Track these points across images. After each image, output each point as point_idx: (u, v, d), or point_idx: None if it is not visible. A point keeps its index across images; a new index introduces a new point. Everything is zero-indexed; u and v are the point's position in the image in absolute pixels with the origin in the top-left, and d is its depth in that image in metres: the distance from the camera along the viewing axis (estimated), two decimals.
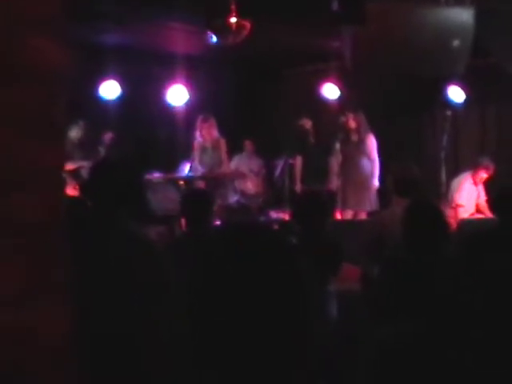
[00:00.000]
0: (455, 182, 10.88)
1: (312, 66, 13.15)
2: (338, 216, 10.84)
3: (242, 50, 9.55)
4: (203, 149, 11.30)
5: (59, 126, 1.80)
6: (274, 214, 11.36)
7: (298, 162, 11.91)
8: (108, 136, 11.27)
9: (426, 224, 4.60)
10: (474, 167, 10.78)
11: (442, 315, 3.10)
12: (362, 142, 10.91)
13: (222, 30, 8.63)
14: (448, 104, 11.60)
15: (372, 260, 5.63)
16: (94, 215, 3.91)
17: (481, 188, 10.79)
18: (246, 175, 12.53)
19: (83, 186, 4.32)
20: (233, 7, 8.42)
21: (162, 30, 10.46)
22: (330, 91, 12.73)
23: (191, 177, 11.41)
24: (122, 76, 11.57)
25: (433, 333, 2.80)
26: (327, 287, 5.32)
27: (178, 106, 12.43)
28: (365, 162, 10.87)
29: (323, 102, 12.88)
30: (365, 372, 2.81)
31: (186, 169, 11.72)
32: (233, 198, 11.90)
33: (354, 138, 10.93)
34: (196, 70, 12.11)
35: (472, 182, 10.75)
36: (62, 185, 1.94)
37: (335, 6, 7.70)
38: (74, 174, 9.62)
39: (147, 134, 12.31)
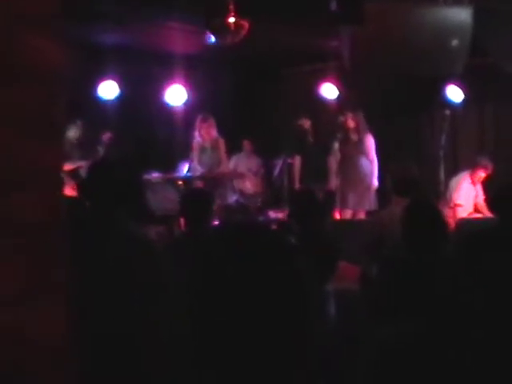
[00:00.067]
0: (453, 182, 10.89)
1: (310, 65, 13.15)
2: (337, 216, 10.85)
3: (241, 50, 9.55)
4: (202, 149, 11.30)
5: (59, 125, 1.80)
6: (272, 214, 11.36)
7: (297, 161, 11.93)
8: (107, 136, 11.27)
9: (425, 223, 4.60)
10: (472, 167, 10.79)
11: (442, 315, 3.10)
12: (360, 142, 10.92)
13: (221, 29, 8.64)
14: (446, 103, 11.61)
15: (371, 259, 5.63)
16: (93, 215, 3.91)
17: (479, 187, 10.80)
18: (244, 175, 12.53)
19: (81, 186, 4.31)
20: (231, 7, 8.42)
21: (160, 29, 10.46)
22: (329, 91, 12.74)
23: (190, 177, 11.41)
24: (120, 76, 11.56)
25: (433, 333, 2.80)
26: (325, 287, 5.32)
27: (177, 106, 12.43)
28: (364, 161, 10.88)
29: (322, 102, 12.89)
30: (365, 372, 2.81)
31: (184, 169, 11.73)
32: (231, 198, 11.90)
33: (353, 137, 10.94)
34: (195, 70, 12.11)
35: (470, 181, 10.76)
36: (61, 185, 1.94)
37: (333, 5, 7.70)
38: (73, 174, 9.62)
39: (146, 133, 12.31)
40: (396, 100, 12.23)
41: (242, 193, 12.29)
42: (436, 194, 10.20)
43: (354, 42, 8.01)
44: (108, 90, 11.68)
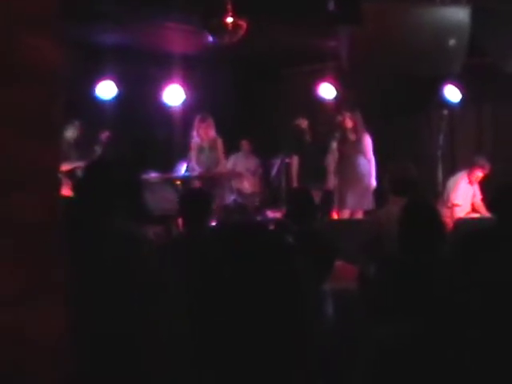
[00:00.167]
0: (451, 182, 10.89)
1: (309, 65, 13.15)
2: (335, 215, 10.85)
3: (239, 50, 9.55)
4: (200, 148, 11.31)
5: (57, 125, 1.80)
6: (270, 214, 11.36)
7: (295, 161, 11.93)
8: (105, 135, 11.26)
9: (423, 223, 4.61)
10: (469, 166, 10.79)
11: (439, 315, 3.10)
12: (358, 142, 10.92)
13: (219, 29, 8.64)
14: (444, 103, 11.61)
15: (369, 259, 5.63)
16: (89, 215, 3.90)
17: (476, 187, 10.81)
18: (242, 175, 12.53)
19: (77, 186, 4.30)
20: (229, 7, 8.42)
21: (158, 29, 10.46)
22: (327, 91, 12.74)
23: (188, 177, 11.41)
24: (118, 76, 11.56)
25: (430, 333, 2.80)
26: (323, 286, 5.33)
27: (175, 106, 12.43)
28: (362, 161, 10.88)
29: (320, 102, 12.89)
30: (363, 372, 2.82)
31: (182, 169, 11.72)
32: (229, 198, 11.90)
33: (351, 137, 10.94)
34: (193, 70, 12.11)
35: (468, 181, 10.76)
36: (59, 185, 1.94)
37: (331, 6, 7.70)
38: (70, 174, 9.60)
39: (144, 133, 12.31)
40: (394, 100, 12.23)
41: (239, 192, 12.29)
42: (434, 194, 10.20)
43: (352, 42, 8.02)
44: (106, 89, 11.67)
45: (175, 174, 11.75)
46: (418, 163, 8.04)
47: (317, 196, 10.46)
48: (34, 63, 1.68)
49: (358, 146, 10.93)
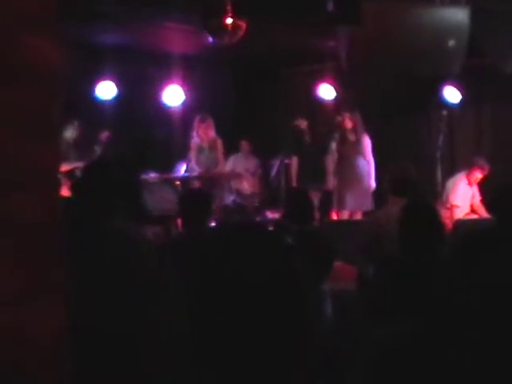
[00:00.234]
0: (450, 183, 10.89)
1: (308, 66, 13.15)
2: (335, 216, 10.86)
3: (238, 50, 9.55)
4: (200, 149, 11.31)
5: (57, 125, 1.80)
6: (270, 214, 11.37)
7: (294, 161, 11.93)
8: (105, 135, 11.26)
9: (422, 224, 4.61)
10: (468, 167, 10.79)
11: (438, 316, 3.10)
12: (358, 142, 10.92)
13: (218, 30, 8.64)
14: (444, 104, 11.62)
15: (368, 260, 5.63)
16: (88, 215, 3.90)
17: (475, 188, 10.80)
18: (242, 175, 12.53)
19: (76, 186, 4.29)
20: (229, 8, 8.42)
21: (158, 30, 10.45)
22: (326, 91, 12.74)
23: (187, 177, 11.42)
24: (118, 76, 11.56)
25: (430, 333, 2.80)
26: (322, 287, 5.33)
27: (175, 107, 12.43)
28: (361, 161, 10.88)
29: (319, 103, 12.89)
30: (363, 372, 2.82)
31: (182, 169, 11.72)
32: (229, 198, 11.91)
33: (351, 137, 10.95)
34: (192, 70, 12.11)
35: (467, 182, 10.76)
36: (59, 185, 1.95)
37: (331, 6, 7.71)
38: (70, 174, 9.60)
39: (143, 134, 12.30)
40: (393, 100, 12.24)
41: (239, 193, 12.30)
42: (433, 195, 10.21)
43: (351, 42, 8.02)
44: (106, 89, 11.67)
45: (175, 175, 11.75)
46: (418, 164, 8.04)
47: (316, 197, 10.48)
48: (33, 63, 1.68)
49: (357, 147, 10.92)
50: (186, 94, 12.23)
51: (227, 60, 12.28)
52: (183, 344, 1.82)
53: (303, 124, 11.85)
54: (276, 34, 10.47)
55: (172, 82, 12.16)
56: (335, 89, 12.63)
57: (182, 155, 11.84)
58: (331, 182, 11.08)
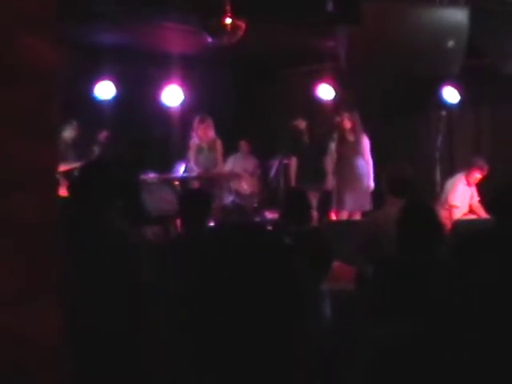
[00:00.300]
0: (449, 183, 10.88)
1: (307, 66, 13.15)
2: (334, 216, 10.86)
3: (237, 50, 9.55)
4: (199, 149, 11.31)
5: (55, 125, 1.80)
6: (269, 215, 11.37)
7: (293, 162, 11.92)
8: (103, 135, 11.25)
9: (421, 225, 4.61)
10: (467, 168, 10.79)
11: (438, 316, 3.10)
12: (357, 142, 10.92)
13: (217, 30, 8.63)
14: (443, 104, 11.62)
15: (367, 260, 5.64)
16: (83, 215, 3.90)
17: (474, 189, 10.80)
18: (241, 176, 12.53)
19: (72, 186, 4.29)
20: (228, 7, 8.42)
21: (157, 30, 10.45)
22: (325, 91, 12.74)
23: (186, 177, 11.41)
24: (117, 76, 11.55)
25: (429, 334, 2.80)
26: (321, 287, 5.33)
27: (174, 107, 12.42)
28: (360, 162, 10.88)
29: (318, 103, 12.89)
30: (362, 372, 2.82)
31: (181, 169, 11.72)
32: (228, 199, 11.91)
33: (350, 137, 10.95)
34: (191, 71, 12.10)
35: (466, 182, 10.75)
36: (57, 185, 1.95)
37: (330, 6, 7.71)
38: (68, 175, 9.60)
39: (142, 134, 12.29)
40: (392, 100, 12.23)
41: (238, 193, 12.30)
42: (432, 195, 10.21)
43: (350, 42, 8.02)
44: (104, 90, 11.65)
45: (173, 175, 11.75)
46: (416, 164, 8.05)
47: (315, 197, 10.49)
48: (33, 63, 1.68)
49: (356, 147, 10.92)
50: (185, 94, 12.22)
51: (226, 60, 12.27)
52: (183, 344, 1.82)
53: (302, 124, 11.85)
54: (275, 34, 10.46)
55: (171, 82, 12.15)
56: (334, 89, 12.63)
57: (181, 155, 11.84)
58: (330, 182, 11.08)
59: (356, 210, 10.74)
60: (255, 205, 12.19)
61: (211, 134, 11.24)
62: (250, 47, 10.09)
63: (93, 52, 10.91)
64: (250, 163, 12.92)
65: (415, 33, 7.82)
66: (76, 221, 3.66)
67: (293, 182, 11.77)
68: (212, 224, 6.90)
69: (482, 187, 10.63)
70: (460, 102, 11.87)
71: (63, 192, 5.87)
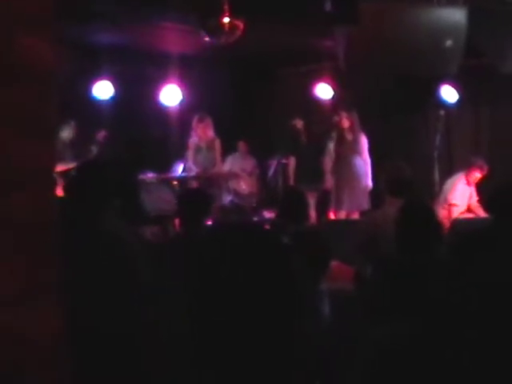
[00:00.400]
0: (448, 183, 10.88)
1: (305, 66, 13.15)
2: (332, 216, 10.86)
3: (236, 50, 9.55)
4: (198, 148, 11.31)
5: (54, 125, 1.81)
6: (267, 214, 11.37)
7: (292, 161, 11.93)
8: (101, 134, 11.24)
9: (419, 224, 4.61)
10: (467, 167, 10.79)
11: (436, 315, 3.10)
12: (355, 141, 10.93)
13: (216, 29, 8.63)
14: (441, 104, 11.62)
15: (365, 259, 5.64)
16: (80, 215, 3.89)
17: (473, 189, 10.80)
18: (239, 175, 12.53)
19: (68, 186, 4.28)
20: (226, 7, 8.42)
21: (155, 29, 10.44)
22: (324, 91, 12.74)
23: (185, 177, 11.41)
24: (115, 76, 11.55)
25: (428, 333, 2.81)
26: (319, 286, 5.33)
27: (172, 106, 12.41)
28: (358, 161, 10.89)
29: (317, 102, 12.89)
30: (361, 372, 2.82)
31: (179, 169, 11.72)
32: (226, 198, 11.91)
33: (348, 137, 10.95)
34: (190, 70, 12.10)
35: (465, 181, 10.76)
36: (55, 185, 1.95)
37: (328, 6, 7.71)
38: (65, 174, 9.59)
39: (141, 134, 12.29)
40: (390, 100, 12.24)
41: (236, 193, 12.30)
42: (430, 195, 10.21)
43: (348, 42, 8.02)
44: (103, 89, 11.65)
45: (172, 175, 11.75)
46: (415, 163, 8.06)
47: (313, 197, 10.49)
48: (33, 63, 1.68)
49: (354, 146, 10.93)
50: (183, 94, 12.22)
51: (225, 60, 12.27)
52: (183, 344, 1.82)
53: (299, 124, 11.85)
54: (273, 33, 10.46)
55: (169, 82, 12.14)
56: (333, 88, 12.63)
57: (180, 155, 11.83)
58: (329, 181, 11.09)
59: (354, 209, 10.75)
60: (254, 204, 12.19)
61: (210, 133, 11.23)
62: (249, 47, 10.09)
63: (91, 52, 10.90)
64: (249, 163, 12.92)
65: (413, 32, 7.82)
66: (73, 220, 3.66)
67: (291, 182, 11.78)
68: (210, 223, 6.90)
69: (480, 186, 10.63)
70: (458, 101, 11.87)
71: (60, 192, 5.89)
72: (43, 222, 1.70)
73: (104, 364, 3.36)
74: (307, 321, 1.65)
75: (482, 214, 10.05)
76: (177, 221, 6.16)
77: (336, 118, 11.06)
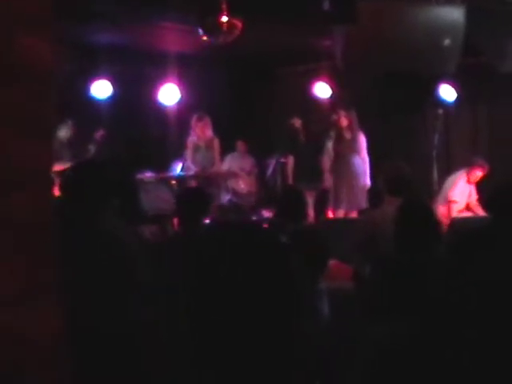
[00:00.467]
0: (449, 180, 10.89)
1: (304, 65, 13.15)
2: (331, 214, 10.86)
3: (234, 49, 9.55)
4: (196, 147, 11.30)
5: (52, 125, 1.81)
6: (266, 213, 11.36)
7: (290, 161, 11.93)
8: (100, 134, 11.24)
9: (418, 223, 4.61)
10: (469, 166, 10.78)
11: (435, 315, 3.11)
12: (354, 140, 10.93)
13: (214, 29, 8.63)
14: (439, 103, 11.62)
15: (364, 259, 5.64)
16: (76, 214, 3.89)
17: (473, 187, 10.81)
18: (238, 175, 12.53)
19: (64, 185, 4.27)
20: (224, 6, 8.42)
21: (154, 29, 10.44)
22: (322, 90, 12.74)
23: (183, 176, 11.40)
24: (114, 75, 11.54)
25: (427, 333, 2.81)
26: (318, 285, 5.33)
27: (170, 106, 12.41)
28: (357, 160, 10.89)
29: (315, 102, 12.89)
30: (361, 372, 2.82)
31: (178, 168, 11.71)
32: (225, 198, 11.90)
33: (347, 135, 10.95)
34: (188, 70, 12.09)
35: (466, 179, 10.76)
36: (53, 185, 1.95)
37: (326, 5, 7.71)
38: (63, 174, 9.56)
39: (139, 133, 12.28)
40: (389, 99, 12.23)
41: (235, 192, 12.29)
42: (429, 194, 10.21)
43: (346, 41, 8.02)
44: (101, 89, 11.64)
45: (171, 174, 11.74)
46: (413, 162, 8.06)
47: (311, 196, 10.49)
48: (33, 63, 1.68)
49: (353, 145, 10.93)
50: (181, 94, 12.21)
51: (223, 59, 12.26)
52: (183, 344, 1.82)
53: (298, 123, 11.85)
54: (272, 33, 10.46)
55: (168, 81, 12.14)
56: (331, 87, 12.63)
57: (178, 154, 11.83)
58: (328, 180, 11.09)
59: (353, 208, 10.75)
60: (252, 204, 12.19)
61: (209, 132, 11.23)
62: (247, 46, 10.09)
63: (90, 51, 10.90)
64: (247, 162, 12.91)
65: (412, 31, 7.83)
66: (70, 220, 3.66)
67: (290, 181, 11.78)
68: (208, 222, 6.90)
69: (479, 186, 10.64)
70: (457, 100, 11.87)
71: (57, 192, 5.87)
72: (43, 222, 1.70)
73: (103, 364, 3.35)
74: (306, 320, 1.65)
75: (480, 212, 10.06)
76: (175, 220, 6.16)
77: (334, 117, 11.06)
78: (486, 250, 4.36)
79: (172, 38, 10.89)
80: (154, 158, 11.97)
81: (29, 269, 1.63)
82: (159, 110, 12.40)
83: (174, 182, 11.41)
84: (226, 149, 12.27)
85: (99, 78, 11.55)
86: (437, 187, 10.65)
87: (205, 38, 8.81)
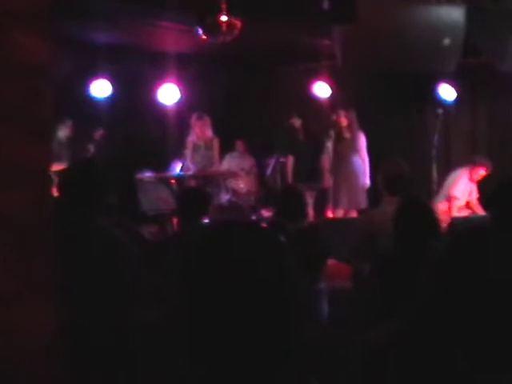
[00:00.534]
0: (451, 177, 10.90)
1: (303, 64, 13.15)
2: (330, 214, 10.86)
3: (233, 48, 9.54)
4: (196, 147, 11.30)
5: (49, 123, 1.80)
6: (265, 213, 11.36)
7: (290, 160, 11.93)
8: (99, 133, 11.23)
9: (418, 222, 4.61)
10: (472, 164, 10.77)
11: (434, 314, 3.10)
12: (353, 140, 10.93)
13: (213, 28, 8.63)
14: (439, 102, 11.62)
15: (363, 258, 5.64)
16: (73, 214, 3.88)
17: (474, 186, 10.80)
18: (237, 174, 12.53)
19: (61, 185, 4.27)
20: (223, 6, 8.42)
21: (153, 28, 10.44)
22: (321, 90, 12.74)
23: (183, 176, 11.40)
24: (113, 75, 11.53)
25: (426, 332, 2.80)
26: (317, 285, 5.33)
27: (170, 105, 12.40)
28: (356, 159, 10.89)
29: (315, 101, 12.89)
30: (358, 371, 2.82)
31: (177, 167, 11.71)
32: (224, 197, 11.90)
33: (347, 135, 10.95)
34: (187, 69, 12.09)
35: (469, 177, 10.76)
36: (51, 184, 1.94)
37: (326, 4, 7.72)
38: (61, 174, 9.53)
39: (138, 132, 12.28)
40: (388, 98, 12.24)
41: (234, 192, 12.29)
42: (428, 193, 10.20)
43: (346, 40, 8.03)
44: (100, 88, 11.63)
45: (170, 173, 11.73)
46: (413, 162, 8.04)
47: (311, 195, 10.49)
48: (25, 60, 1.67)
49: (353, 145, 10.93)
50: (181, 93, 12.21)
51: (222, 58, 12.26)
52: (180, 343, 1.82)
53: (297, 122, 11.86)
54: (271, 32, 10.46)
55: (167, 81, 12.13)
56: (330, 87, 12.63)
57: (178, 154, 11.83)
58: (327, 180, 11.09)
59: (352, 207, 10.75)
60: (252, 203, 12.19)
61: (208, 132, 11.23)
62: (246, 45, 10.09)
63: (89, 50, 10.89)
64: (247, 162, 12.91)
65: (411, 31, 7.83)
66: (66, 220, 3.66)
67: (289, 181, 11.78)
68: (207, 222, 6.90)
69: (480, 185, 10.64)
70: (456, 99, 11.87)
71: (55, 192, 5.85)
72: (40, 222, 1.70)
73: (100, 364, 3.35)
74: (304, 319, 1.65)
75: (480, 211, 10.07)
76: (175, 219, 6.15)
77: (334, 117, 11.07)
78: (485, 249, 4.36)
79: (171, 38, 10.88)
80: (153, 158, 11.97)
81: (26, 269, 1.63)
82: (159, 109, 12.39)
83: (173, 181, 11.40)
84: (226, 148, 12.26)
85: (98, 78, 11.54)
86: (436, 186, 10.64)
87: (204, 37, 8.81)
